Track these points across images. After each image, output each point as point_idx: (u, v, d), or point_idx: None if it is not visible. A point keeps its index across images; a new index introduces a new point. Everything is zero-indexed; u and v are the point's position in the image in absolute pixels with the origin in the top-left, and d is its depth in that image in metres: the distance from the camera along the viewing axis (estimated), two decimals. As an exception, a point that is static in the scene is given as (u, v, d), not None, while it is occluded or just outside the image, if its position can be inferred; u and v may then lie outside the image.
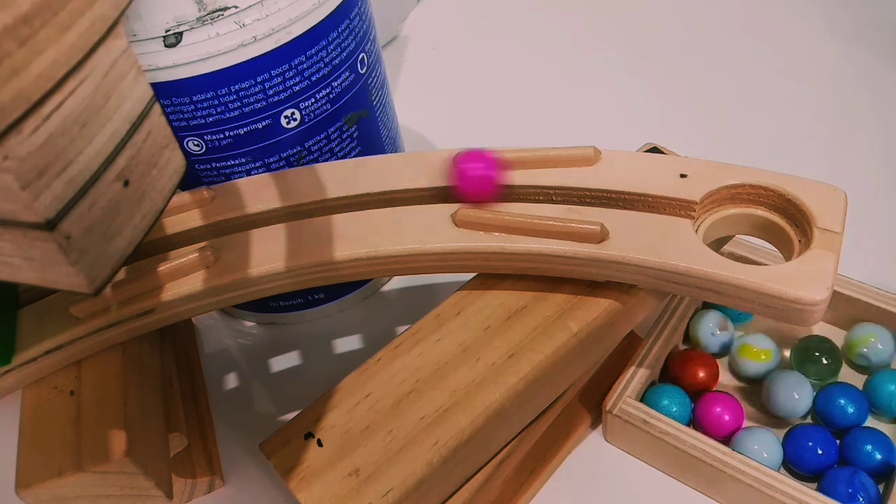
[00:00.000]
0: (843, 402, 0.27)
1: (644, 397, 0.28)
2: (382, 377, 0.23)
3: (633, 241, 0.23)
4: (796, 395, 0.27)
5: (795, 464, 0.26)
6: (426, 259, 0.24)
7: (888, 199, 0.37)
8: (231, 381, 0.34)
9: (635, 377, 0.28)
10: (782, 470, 0.27)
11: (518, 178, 0.25)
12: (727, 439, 0.27)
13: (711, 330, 0.30)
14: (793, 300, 0.21)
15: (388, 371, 0.23)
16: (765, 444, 0.26)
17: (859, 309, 0.29)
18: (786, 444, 0.27)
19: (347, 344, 0.35)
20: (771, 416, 0.28)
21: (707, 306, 0.31)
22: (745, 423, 0.28)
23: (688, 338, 0.31)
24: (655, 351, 0.29)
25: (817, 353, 0.29)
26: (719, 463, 0.25)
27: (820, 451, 0.26)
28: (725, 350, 0.30)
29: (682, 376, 0.29)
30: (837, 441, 0.27)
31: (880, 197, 0.37)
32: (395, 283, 0.38)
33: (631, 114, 0.44)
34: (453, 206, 0.25)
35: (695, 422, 0.28)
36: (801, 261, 0.22)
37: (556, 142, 0.27)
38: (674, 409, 0.27)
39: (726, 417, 0.27)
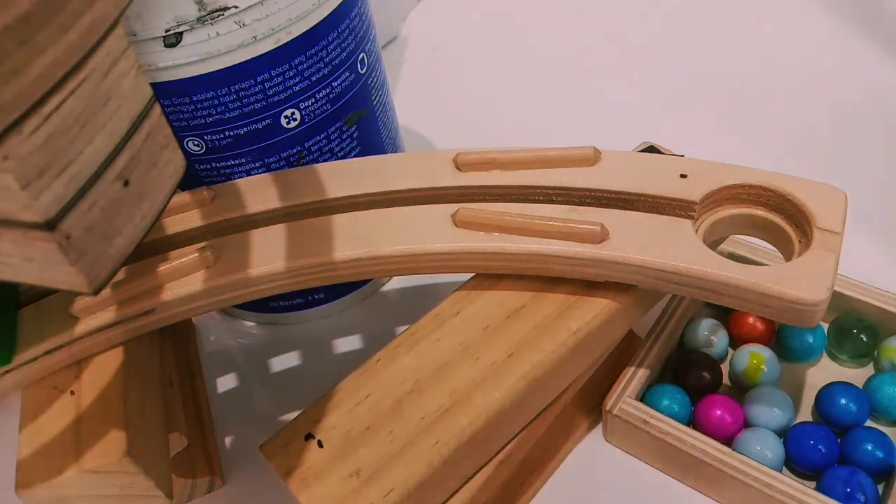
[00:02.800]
0: (844, 401, 0.27)
1: (644, 397, 0.28)
2: (382, 377, 0.23)
3: (633, 241, 0.23)
4: (776, 409, 0.27)
5: (797, 462, 0.26)
6: (426, 259, 0.24)
7: (888, 199, 0.37)
8: (231, 381, 0.34)
9: (635, 377, 0.28)
10: (784, 470, 0.27)
11: (518, 178, 0.25)
12: (728, 442, 0.27)
13: (706, 338, 0.30)
14: (793, 300, 0.21)
15: (387, 371, 0.23)
16: (767, 445, 0.26)
17: (859, 308, 0.29)
18: (787, 441, 0.27)
19: (347, 344, 0.35)
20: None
21: (701, 312, 0.31)
22: (746, 425, 0.28)
23: (681, 344, 0.31)
24: (655, 351, 0.29)
25: (855, 331, 0.29)
26: (719, 462, 0.25)
27: (822, 450, 0.26)
28: (723, 354, 0.30)
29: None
30: (839, 439, 0.27)
31: (880, 197, 0.37)
32: (395, 283, 0.38)
33: (631, 114, 0.44)
34: (453, 207, 0.25)
35: (695, 423, 0.28)
36: (801, 261, 0.22)
37: (556, 142, 0.27)
38: (675, 410, 0.27)
39: (727, 420, 0.27)
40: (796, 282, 0.21)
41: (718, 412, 0.27)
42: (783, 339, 0.30)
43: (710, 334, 0.30)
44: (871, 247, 0.34)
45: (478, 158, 0.26)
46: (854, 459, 0.26)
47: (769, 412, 0.27)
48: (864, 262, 0.32)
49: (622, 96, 0.46)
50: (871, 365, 0.29)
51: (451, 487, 0.24)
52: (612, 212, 0.24)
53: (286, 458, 0.22)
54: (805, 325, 0.22)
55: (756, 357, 0.28)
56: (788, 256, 0.23)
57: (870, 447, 0.26)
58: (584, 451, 0.29)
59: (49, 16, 0.13)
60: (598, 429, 0.30)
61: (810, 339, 0.29)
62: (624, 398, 0.28)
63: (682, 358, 0.29)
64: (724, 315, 0.31)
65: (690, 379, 0.29)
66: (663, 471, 0.28)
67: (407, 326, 0.24)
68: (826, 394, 0.27)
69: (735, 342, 0.30)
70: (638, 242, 0.23)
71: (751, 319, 0.30)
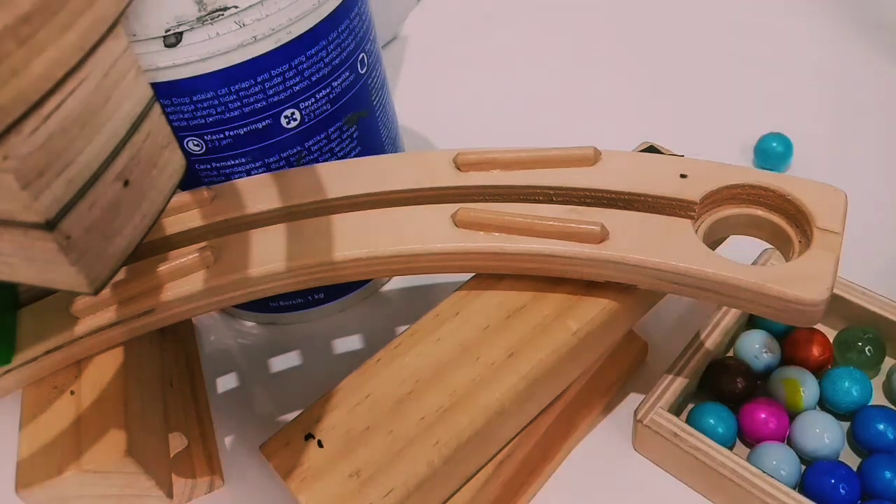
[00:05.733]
0: (882, 426, 0.26)
1: (689, 418, 0.28)
2: (382, 377, 0.23)
3: (632, 241, 0.23)
4: (826, 438, 0.27)
5: (816, 498, 0.25)
6: (426, 259, 0.24)
7: (888, 199, 0.37)
8: (231, 381, 0.34)
9: (669, 388, 0.28)
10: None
11: (518, 178, 0.25)
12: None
13: (756, 352, 0.29)
14: (792, 300, 0.21)
15: (388, 371, 0.23)
16: (783, 461, 0.26)
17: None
18: (806, 476, 0.26)
19: (347, 344, 0.35)
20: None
21: (750, 325, 0.31)
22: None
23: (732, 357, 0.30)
24: (693, 363, 0.28)
25: (860, 344, 0.28)
26: (747, 484, 0.25)
27: (842, 490, 0.25)
28: (770, 370, 0.29)
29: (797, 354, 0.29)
30: (859, 478, 0.26)
31: (880, 197, 0.37)
32: (395, 283, 0.38)
33: (631, 114, 0.44)
34: (453, 207, 0.25)
35: (742, 432, 0.28)
36: (801, 261, 0.22)
37: (556, 142, 0.27)
38: (720, 432, 0.27)
39: (772, 425, 0.27)
40: (796, 282, 0.21)
41: (763, 415, 0.27)
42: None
43: (763, 347, 0.29)
44: (870, 247, 0.34)
45: (478, 158, 0.26)
46: (875, 490, 0.25)
47: (820, 440, 0.27)
48: (863, 263, 0.32)
49: (622, 96, 0.46)
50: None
51: (451, 487, 0.24)
52: (612, 212, 0.24)
53: (286, 458, 0.22)
54: (805, 325, 0.22)
55: (791, 383, 0.28)
56: (788, 256, 0.23)
57: (888, 475, 0.25)
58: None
59: (49, 16, 0.13)
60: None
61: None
62: (656, 409, 0.27)
63: (716, 364, 0.29)
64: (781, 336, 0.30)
65: (724, 385, 0.28)
66: (690, 486, 0.28)
67: (407, 326, 0.24)
68: (863, 419, 0.27)
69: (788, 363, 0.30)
70: (638, 242, 0.23)
71: (805, 343, 0.29)
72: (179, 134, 0.27)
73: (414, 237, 0.24)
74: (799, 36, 0.48)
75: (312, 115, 0.29)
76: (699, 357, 0.29)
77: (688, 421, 0.27)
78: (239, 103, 0.27)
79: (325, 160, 0.30)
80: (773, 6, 0.50)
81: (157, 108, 0.17)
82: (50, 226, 0.14)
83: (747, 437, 0.28)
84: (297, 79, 0.27)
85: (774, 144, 0.38)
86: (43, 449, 0.22)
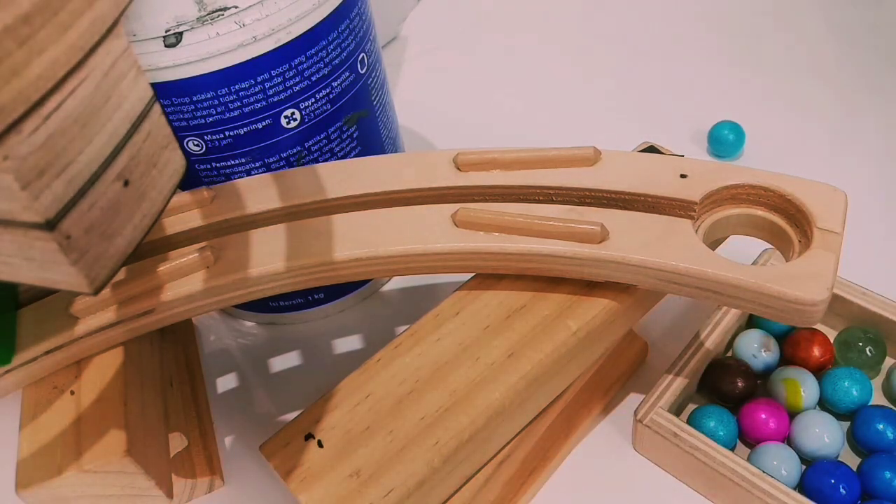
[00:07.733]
0: (882, 426, 0.26)
1: (690, 419, 0.28)
2: (382, 377, 0.23)
3: (633, 241, 0.23)
4: (826, 438, 0.27)
5: (816, 498, 0.25)
6: (426, 259, 0.24)
7: (888, 199, 0.37)
8: (231, 381, 0.34)
9: (669, 388, 0.28)
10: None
11: (518, 178, 0.25)
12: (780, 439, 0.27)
13: (755, 351, 0.29)
14: (792, 300, 0.21)
15: (388, 371, 0.23)
16: (783, 461, 0.26)
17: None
18: (806, 476, 0.26)
19: (347, 344, 0.35)
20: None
21: (750, 325, 0.31)
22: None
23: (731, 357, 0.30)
24: (693, 363, 0.28)
25: (860, 344, 0.28)
26: (747, 484, 0.25)
27: (842, 490, 0.25)
28: (769, 370, 0.29)
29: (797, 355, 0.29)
30: (859, 478, 0.26)
31: (880, 197, 0.37)
32: (395, 283, 0.38)
33: (631, 114, 0.44)
34: (453, 206, 0.25)
35: (742, 433, 0.28)
36: (800, 261, 0.22)
37: (556, 142, 0.27)
38: (720, 434, 0.27)
39: (772, 425, 0.27)
40: (796, 282, 0.21)
41: (763, 415, 0.27)
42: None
43: (761, 347, 0.29)
44: (870, 248, 0.34)
45: (478, 158, 0.26)
46: (875, 490, 0.25)
47: (819, 440, 0.27)
48: (863, 264, 0.32)
49: (622, 96, 0.46)
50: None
51: (451, 487, 0.24)
52: (612, 212, 0.24)
53: (286, 458, 0.22)
54: (805, 325, 0.22)
55: (791, 384, 0.28)
56: (788, 256, 0.23)
57: (888, 475, 0.25)
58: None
59: (49, 16, 0.13)
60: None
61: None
62: (656, 409, 0.27)
63: (716, 364, 0.29)
64: (781, 336, 0.30)
65: (723, 385, 0.28)
66: (690, 486, 0.28)
67: (407, 326, 0.24)
68: (863, 418, 0.27)
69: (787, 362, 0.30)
70: (638, 242, 0.23)
71: (806, 343, 0.29)
72: (179, 134, 0.27)
73: (414, 237, 0.24)
74: (800, 36, 0.48)
75: (312, 115, 0.29)
76: (699, 357, 0.29)
77: (688, 423, 0.27)
78: (239, 103, 0.27)
79: (325, 160, 0.30)
80: (774, 6, 0.50)
81: (157, 108, 0.17)
82: (50, 226, 0.14)
83: (747, 438, 0.28)
84: (297, 79, 0.27)
85: (726, 132, 0.39)
86: (43, 449, 0.22)
